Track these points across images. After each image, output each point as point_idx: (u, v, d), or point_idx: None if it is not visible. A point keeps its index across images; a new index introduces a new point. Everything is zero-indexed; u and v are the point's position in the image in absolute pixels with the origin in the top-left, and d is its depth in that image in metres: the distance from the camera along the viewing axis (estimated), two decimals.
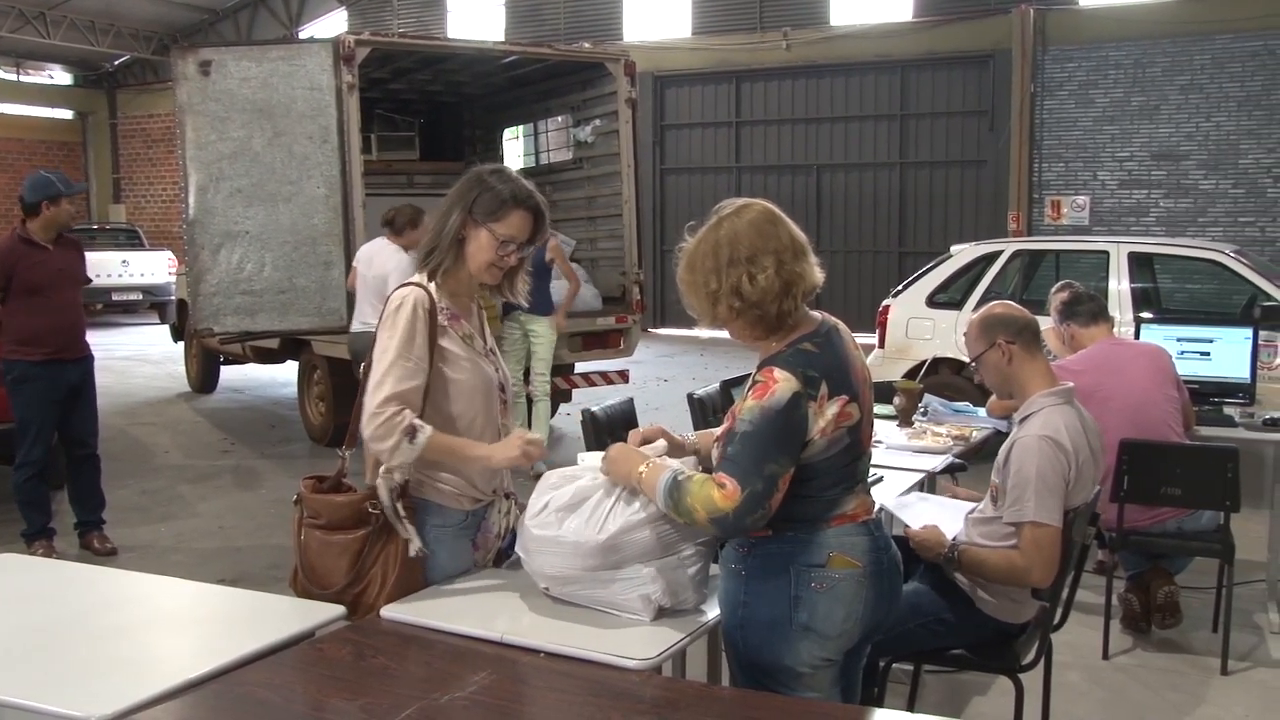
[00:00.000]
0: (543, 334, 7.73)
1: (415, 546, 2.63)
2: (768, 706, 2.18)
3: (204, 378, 11.17)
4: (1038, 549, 3.03)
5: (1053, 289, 5.60)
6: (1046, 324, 4.57)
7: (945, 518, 3.45)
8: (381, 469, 2.65)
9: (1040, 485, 3.03)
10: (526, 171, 10.56)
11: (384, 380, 2.58)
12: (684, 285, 2.41)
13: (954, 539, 3.25)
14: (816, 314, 2.43)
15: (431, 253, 2.71)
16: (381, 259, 7.12)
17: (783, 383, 2.26)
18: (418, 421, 2.59)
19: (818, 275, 2.38)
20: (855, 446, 2.38)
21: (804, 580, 2.34)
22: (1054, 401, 3.17)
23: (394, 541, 2.65)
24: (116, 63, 23.34)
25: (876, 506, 2.58)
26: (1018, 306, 3.43)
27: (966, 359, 3.40)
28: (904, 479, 3.89)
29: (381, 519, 2.64)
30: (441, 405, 2.68)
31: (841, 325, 2.46)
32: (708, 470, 2.44)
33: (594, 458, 2.58)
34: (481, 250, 2.68)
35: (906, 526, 3.32)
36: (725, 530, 2.35)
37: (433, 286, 2.69)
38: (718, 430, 2.57)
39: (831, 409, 2.30)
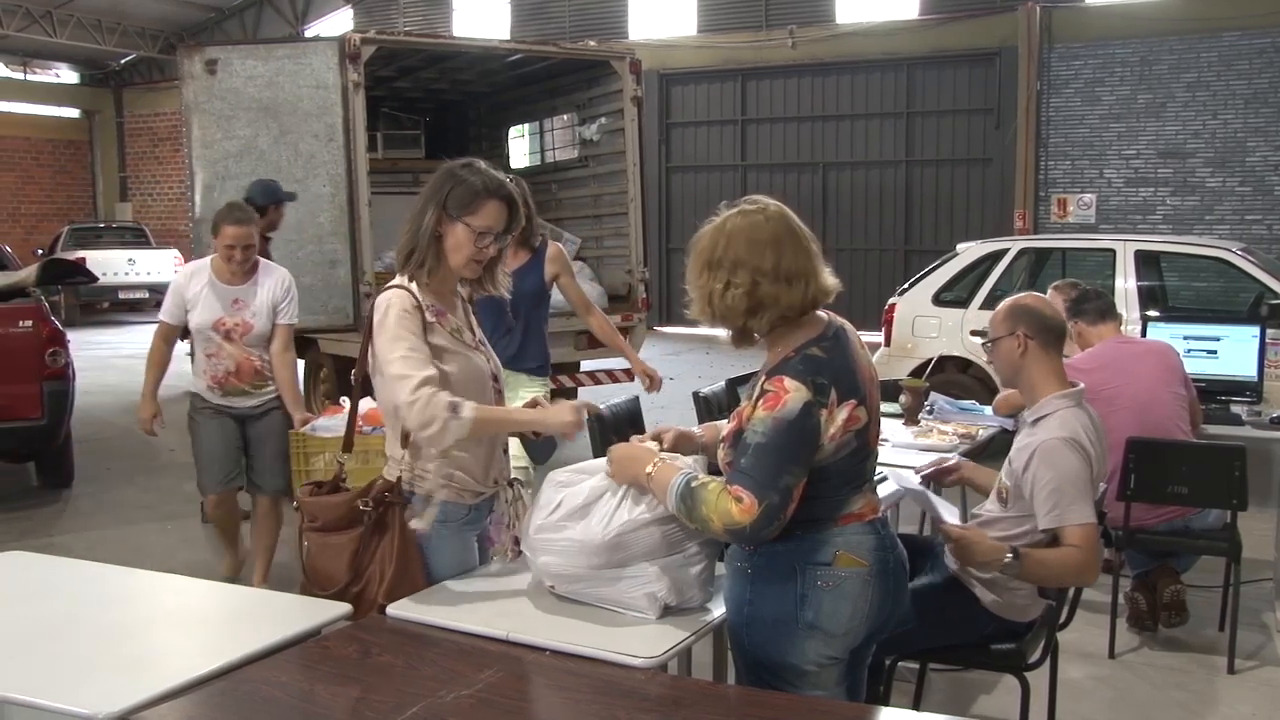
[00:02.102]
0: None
1: (424, 522, 2.64)
2: (773, 705, 2.18)
3: None
4: (1092, 548, 3.03)
5: (1051, 285, 5.58)
6: None
7: (943, 511, 3.43)
8: (389, 459, 2.66)
9: (1079, 485, 3.03)
10: (532, 169, 10.57)
11: (404, 372, 2.58)
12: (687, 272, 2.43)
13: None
14: (823, 314, 2.42)
15: (411, 254, 2.71)
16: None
17: (794, 393, 2.25)
18: (453, 397, 2.58)
19: (803, 294, 2.32)
20: (863, 448, 2.38)
21: (811, 579, 2.34)
22: (1069, 404, 3.17)
23: (388, 537, 2.66)
24: (123, 61, 23.38)
25: (897, 495, 2.55)
26: (1052, 305, 3.39)
27: (980, 347, 3.38)
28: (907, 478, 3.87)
29: (373, 516, 2.66)
30: None
31: (848, 325, 2.45)
32: (712, 464, 2.44)
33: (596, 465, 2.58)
34: (460, 245, 2.69)
35: (941, 522, 3.12)
36: (740, 541, 2.36)
37: (414, 286, 2.70)
38: (722, 424, 2.56)
39: (841, 414, 2.29)
